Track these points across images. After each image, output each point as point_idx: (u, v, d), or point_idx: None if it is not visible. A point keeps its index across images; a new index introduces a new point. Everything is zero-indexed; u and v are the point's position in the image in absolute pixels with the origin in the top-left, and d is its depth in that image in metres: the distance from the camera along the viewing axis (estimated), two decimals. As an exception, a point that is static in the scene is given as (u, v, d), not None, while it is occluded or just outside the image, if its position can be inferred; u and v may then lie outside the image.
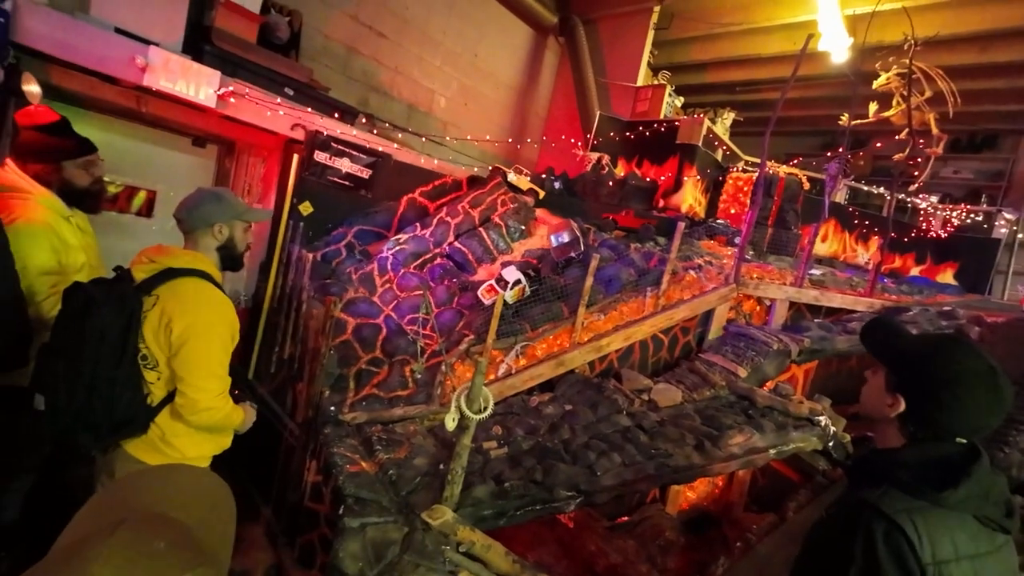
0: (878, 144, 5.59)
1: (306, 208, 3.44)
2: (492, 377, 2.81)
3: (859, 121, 4.64)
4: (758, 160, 4.52)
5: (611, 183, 5.46)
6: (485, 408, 1.77)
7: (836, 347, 3.49)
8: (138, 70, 2.67)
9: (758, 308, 3.88)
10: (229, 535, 0.68)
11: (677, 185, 5.65)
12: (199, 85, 2.85)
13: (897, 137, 4.84)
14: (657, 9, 7.06)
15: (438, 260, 3.56)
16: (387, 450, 2.23)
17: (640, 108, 7.01)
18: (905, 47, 4.48)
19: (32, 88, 2.36)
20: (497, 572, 1.82)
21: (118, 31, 2.73)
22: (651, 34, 7.17)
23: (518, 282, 2.95)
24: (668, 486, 3.39)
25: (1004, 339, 3.48)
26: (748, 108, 8.40)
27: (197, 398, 1.55)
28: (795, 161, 5.56)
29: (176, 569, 0.53)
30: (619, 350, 3.27)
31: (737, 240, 4.03)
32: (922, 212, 6.38)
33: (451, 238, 3.73)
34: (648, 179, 5.76)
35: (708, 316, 3.62)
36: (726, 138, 6.52)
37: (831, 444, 2.84)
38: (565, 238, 3.47)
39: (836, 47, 5.42)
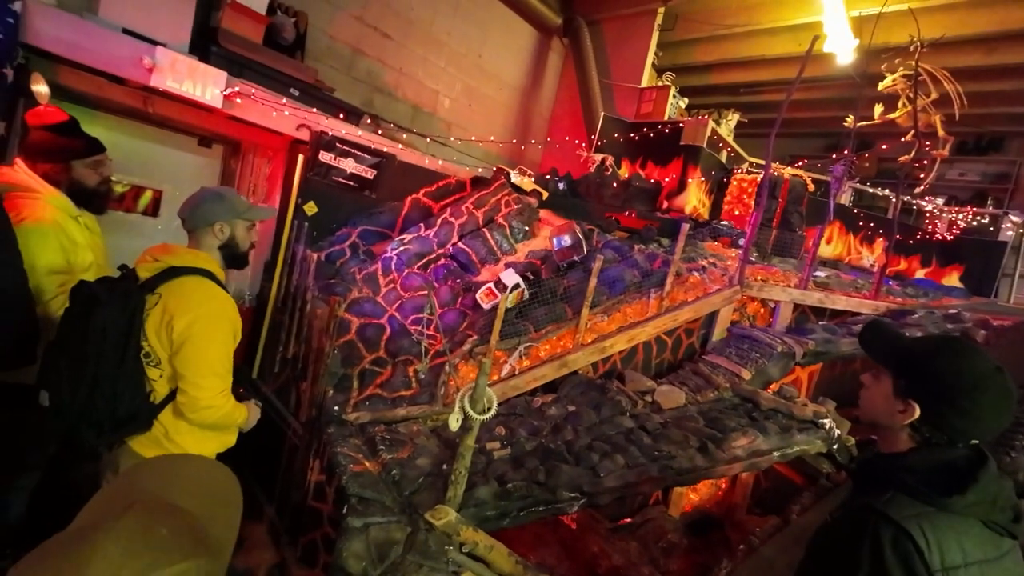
0: (883, 146, 5.56)
1: (311, 208, 3.45)
2: (495, 378, 2.81)
3: (864, 123, 4.62)
4: (762, 162, 4.50)
5: (615, 184, 5.46)
6: (489, 409, 1.77)
7: (841, 350, 3.47)
8: (145, 70, 2.69)
9: (762, 310, 3.87)
10: (234, 527, 0.69)
11: (681, 186, 5.64)
12: (205, 85, 2.86)
13: (903, 139, 4.81)
14: (662, 10, 7.05)
15: (442, 260, 3.57)
16: (390, 450, 2.24)
17: (644, 109, 7.00)
18: (911, 49, 4.46)
19: (41, 88, 2.38)
20: (500, 573, 1.82)
21: (126, 32, 2.75)
22: (655, 35, 7.16)
23: (516, 286, 2.94)
24: (671, 488, 3.39)
25: (1011, 343, 3.46)
26: (753, 110, 8.38)
27: (198, 396, 1.56)
28: (800, 163, 5.54)
29: (177, 556, 0.54)
30: (622, 351, 3.26)
31: (741, 242, 4.01)
32: (928, 214, 6.35)
33: (455, 239, 3.73)
34: (652, 180, 5.75)
35: (712, 318, 3.61)
36: (730, 140, 6.50)
37: (835, 447, 2.82)
38: (567, 241, 3.47)
39: (841, 49, 5.40)
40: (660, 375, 3.44)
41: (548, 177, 5.25)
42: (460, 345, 2.82)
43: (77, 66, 2.60)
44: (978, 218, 6.30)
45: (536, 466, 2.25)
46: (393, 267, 3.40)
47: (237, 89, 3.00)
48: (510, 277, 2.99)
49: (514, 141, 7.19)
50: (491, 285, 2.99)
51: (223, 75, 2.94)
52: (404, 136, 4.72)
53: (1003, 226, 6.22)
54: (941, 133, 4.89)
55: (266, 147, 3.72)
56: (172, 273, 1.57)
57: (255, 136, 3.54)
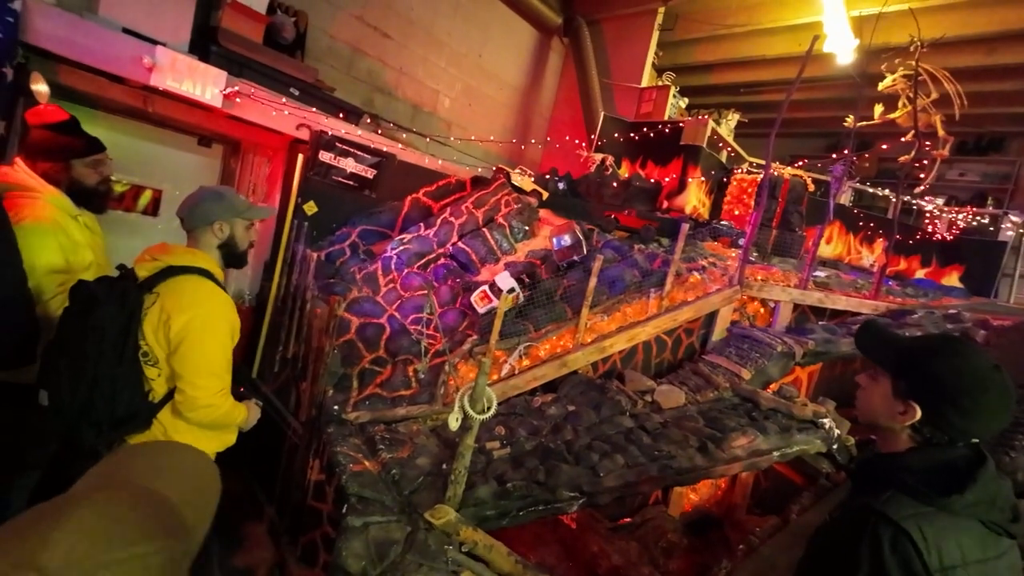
0: (883, 146, 5.56)
1: (310, 208, 3.46)
2: (495, 377, 2.81)
3: (864, 123, 4.61)
4: (762, 162, 4.50)
5: (615, 184, 5.46)
6: (488, 408, 1.77)
7: (840, 350, 3.47)
8: (145, 70, 2.69)
9: (762, 310, 3.87)
10: (209, 515, 0.71)
11: (681, 186, 5.64)
12: (205, 85, 2.86)
13: (903, 139, 4.81)
14: (662, 10, 7.05)
15: (442, 260, 3.57)
16: (390, 449, 2.24)
17: (644, 109, 7.00)
18: (911, 49, 4.46)
19: (40, 87, 2.38)
20: (499, 572, 1.82)
21: (126, 31, 2.75)
22: (656, 35, 7.16)
23: (511, 290, 2.95)
24: (671, 488, 3.39)
25: (1011, 343, 3.46)
26: (753, 109, 8.38)
27: (196, 395, 1.56)
28: (800, 163, 5.54)
29: (140, 537, 0.55)
30: (622, 351, 3.26)
31: (741, 242, 4.01)
32: (928, 214, 6.35)
33: (455, 238, 3.73)
34: (652, 180, 5.75)
35: (712, 318, 3.61)
36: (731, 139, 6.50)
37: (835, 447, 2.83)
38: (567, 241, 3.47)
39: (841, 49, 5.40)
40: (660, 375, 3.44)
41: (548, 177, 5.25)
42: (460, 345, 2.82)
43: (77, 65, 2.60)
44: (978, 218, 6.30)
45: (536, 466, 2.25)
46: (393, 267, 3.40)
47: (237, 88, 3.00)
48: (505, 280, 2.99)
49: (514, 141, 7.19)
50: (486, 288, 3.00)
51: (223, 74, 2.94)
52: (404, 136, 4.72)
53: (1003, 226, 6.22)
54: (941, 133, 4.89)
55: (266, 146, 3.72)
56: (170, 272, 1.57)
57: (255, 135, 3.54)
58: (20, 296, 1.60)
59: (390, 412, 2.53)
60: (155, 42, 2.77)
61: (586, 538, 2.85)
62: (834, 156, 4.71)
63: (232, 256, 1.78)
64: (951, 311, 4.02)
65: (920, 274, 5.95)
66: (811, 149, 9.78)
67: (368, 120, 4.29)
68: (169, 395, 1.60)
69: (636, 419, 2.77)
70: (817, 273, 4.28)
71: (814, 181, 5.19)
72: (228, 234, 1.74)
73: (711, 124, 5.83)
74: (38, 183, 1.82)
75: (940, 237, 5.97)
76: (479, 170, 4.57)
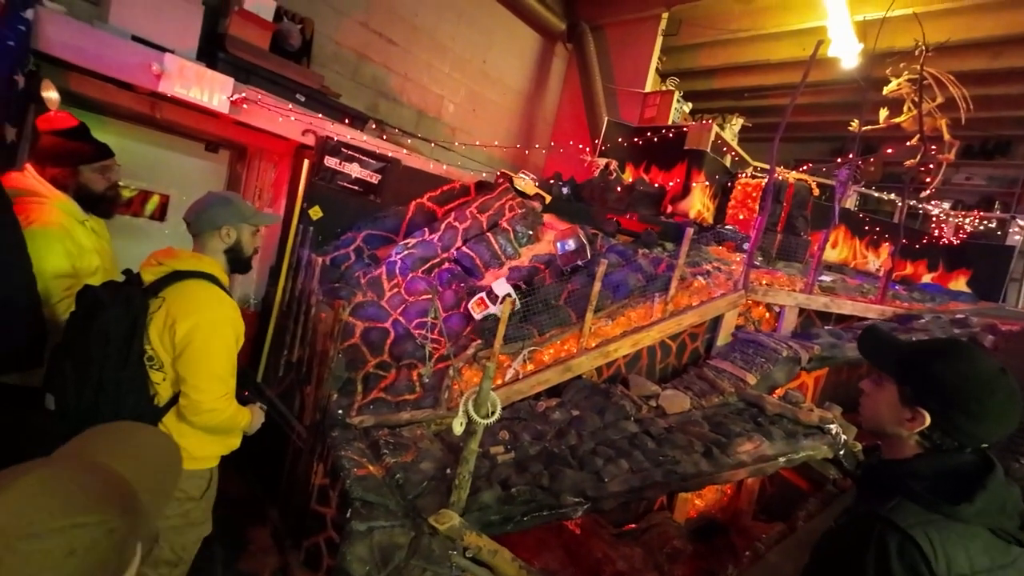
0: (889, 150, 5.54)
1: (316, 213, 3.48)
2: (499, 382, 2.81)
3: (869, 127, 4.60)
4: (767, 166, 4.50)
5: (619, 188, 5.46)
6: (493, 413, 1.77)
7: (847, 354, 3.45)
8: (154, 77, 2.72)
9: (767, 315, 3.85)
10: (166, 495, 0.75)
11: (685, 191, 5.63)
12: (213, 91, 2.90)
13: (908, 143, 4.79)
14: (665, 16, 7.06)
15: (446, 265, 3.58)
16: (394, 454, 2.24)
17: (648, 114, 7.01)
18: (916, 53, 4.45)
19: (51, 94, 2.41)
20: (503, 578, 1.81)
21: (135, 39, 2.79)
22: (659, 40, 7.17)
23: (507, 296, 2.96)
24: (676, 493, 3.36)
25: (1020, 348, 3.43)
26: (757, 114, 8.36)
27: (200, 399, 1.57)
28: (805, 167, 5.53)
29: (82, 509, 0.56)
30: (627, 356, 3.25)
31: (746, 246, 4.00)
32: (934, 219, 6.31)
33: (459, 243, 3.74)
34: (656, 185, 5.75)
35: (717, 322, 3.60)
36: (735, 144, 6.50)
37: (842, 453, 2.80)
38: (571, 245, 3.48)
39: (846, 53, 5.39)
40: (664, 380, 3.42)
41: (552, 181, 5.26)
42: (464, 349, 2.82)
43: (87, 72, 2.64)
44: (985, 222, 6.26)
45: (540, 471, 2.25)
46: (397, 271, 3.41)
47: (244, 95, 3.03)
48: (502, 287, 3.00)
49: (518, 146, 7.21)
50: (483, 295, 3.01)
51: (230, 81, 2.97)
52: (409, 141, 4.74)
53: (1011, 230, 6.17)
54: (947, 137, 4.87)
55: (272, 152, 3.75)
56: (176, 277, 1.58)
57: (261, 141, 3.57)
58: (28, 299, 1.61)
59: (394, 416, 2.53)
60: (164, 49, 2.81)
61: (590, 544, 2.83)
62: (839, 160, 4.70)
63: (237, 261, 1.79)
64: (959, 316, 3.98)
65: (927, 279, 5.91)
66: (816, 153, 9.75)
67: (373, 125, 4.31)
68: (174, 399, 1.60)
69: (641, 424, 2.76)
70: (822, 277, 4.26)
71: (819, 185, 5.17)
72: (235, 239, 1.75)
73: (715, 129, 5.83)
74: (46, 188, 1.84)
75: (947, 241, 5.93)
76: (483, 175, 4.59)
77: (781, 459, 2.60)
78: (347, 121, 3.76)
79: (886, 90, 4.77)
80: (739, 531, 3.42)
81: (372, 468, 2.16)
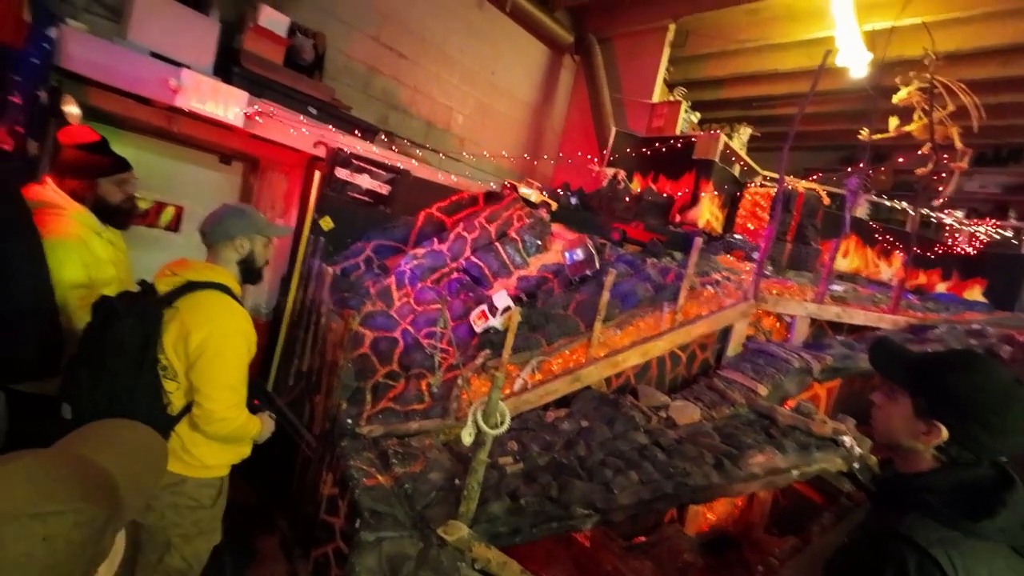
0: (900, 159, 5.50)
1: (327, 223, 3.52)
2: (508, 392, 2.80)
3: (879, 136, 4.58)
4: (776, 175, 4.48)
5: (627, 198, 5.47)
6: (502, 423, 1.77)
7: (860, 365, 3.40)
8: (171, 91, 2.79)
9: (778, 325, 3.82)
10: (147, 489, 0.78)
11: (694, 200, 5.63)
12: (228, 105, 2.96)
13: (919, 152, 4.76)
14: (672, 27, 7.11)
15: (455, 274, 3.59)
16: (403, 464, 2.24)
17: (656, 124, 7.03)
18: (925, 62, 4.44)
19: (72, 109, 2.48)
20: (512, 590, 1.80)
21: (153, 55, 2.86)
22: (667, 51, 7.21)
23: (508, 308, 2.97)
24: (686, 506, 3.32)
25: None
26: (765, 123, 8.36)
27: (212, 408, 1.58)
28: (814, 176, 5.50)
29: (58, 499, 0.58)
30: (636, 366, 3.23)
31: (755, 255, 3.98)
32: (947, 227, 6.24)
33: (468, 253, 3.76)
34: (664, 194, 5.75)
35: (726, 332, 3.57)
36: (743, 153, 6.49)
37: (857, 466, 2.75)
38: (579, 255, 3.48)
39: (854, 63, 5.38)
40: (674, 390, 3.39)
41: (560, 192, 5.28)
42: (473, 359, 2.82)
43: (107, 88, 2.71)
44: (1000, 231, 6.17)
45: (549, 481, 2.23)
46: (407, 281, 3.43)
47: (258, 108, 3.09)
48: (502, 299, 3.01)
49: (526, 156, 7.26)
50: (483, 307, 3.02)
51: (244, 95, 3.03)
52: (418, 152, 4.80)
53: (1026, 239, 6.08)
54: (959, 145, 4.83)
55: (284, 164, 3.81)
56: (190, 287, 1.61)
57: (274, 153, 3.63)
58: (46, 308, 1.65)
59: (403, 426, 2.53)
60: (181, 65, 2.87)
61: (600, 557, 2.80)
62: (849, 169, 4.67)
63: (250, 272, 1.82)
64: (974, 326, 3.91)
65: (941, 288, 5.83)
66: (825, 162, 9.71)
67: (383, 137, 4.37)
68: (186, 408, 1.62)
69: (650, 435, 2.73)
70: (834, 287, 4.22)
71: (829, 194, 5.14)
72: (248, 250, 1.77)
73: (723, 138, 5.83)
74: (65, 200, 1.89)
75: (961, 250, 5.85)
76: (492, 185, 4.62)
77: (794, 472, 2.56)
78: (358, 133, 3.82)
79: (896, 99, 4.75)
80: (751, 545, 3.36)
81: (381, 478, 2.16)
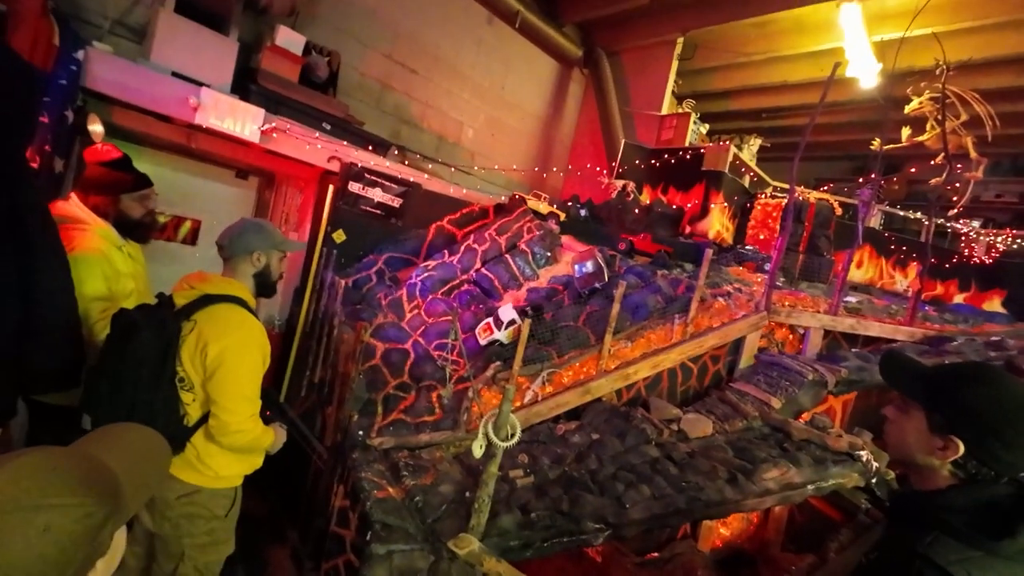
0: (913, 169, 5.45)
1: (339, 236, 3.57)
2: (518, 404, 2.80)
3: (892, 146, 4.55)
4: (787, 186, 4.46)
5: (636, 210, 5.48)
6: (512, 435, 1.77)
7: (875, 378, 3.34)
8: (191, 109, 2.87)
9: (791, 336, 3.77)
10: (147, 489, 0.82)
11: (704, 211, 5.62)
12: (245, 122, 3.04)
13: (932, 162, 4.72)
14: (681, 40, 7.17)
15: (465, 286, 3.62)
16: (413, 476, 2.24)
17: (665, 136, 7.06)
18: (937, 72, 4.41)
19: (96, 128, 2.56)
20: (523, 606, 1.78)
21: (175, 75, 2.95)
22: (675, 64, 7.26)
23: (512, 322, 2.97)
24: (700, 521, 3.26)
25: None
26: (775, 134, 8.34)
27: (228, 420, 1.61)
28: (826, 187, 5.47)
29: (59, 493, 0.61)
30: (647, 378, 3.21)
31: (767, 267, 3.95)
32: (963, 237, 6.14)
33: (478, 265, 3.79)
34: (674, 206, 5.75)
35: (738, 344, 3.54)
36: (753, 164, 6.48)
37: (874, 481, 2.70)
38: (589, 268, 3.49)
39: (864, 73, 5.38)
40: (686, 403, 3.36)
41: (570, 204, 5.31)
42: (483, 371, 2.83)
43: (130, 106, 2.80)
44: (1019, 240, 6.06)
45: (559, 495, 2.22)
46: (418, 293, 3.46)
47: (274, 125, 3.17)
48: (508, 312, 3.02)
49: (536, 169, 7.32)
50: (489, 321, 3.03)
51: (261, 112, 3.11)
52: (429, 166, 4.86)
53: (1047, 249, 5.94)
54: (973, 155, 4.78)
55: (298, 178, 3.89)
56: (207, 301, 1.64)
57: (289, 168, 3.70)
58: (71, 322, 1.69)
59: (414, 438, 2.53)
60: (200, 84, 2.96)
61: (611, 572, 2.76)
62: (861, 180, 4.63)
63: (264, 286, 1.85)
64: (994, 338, 3.84)
65: (959, 299, 5.72)
66: (837, 172, 9.64)
67: (395, 151, 4.45)
68: (203, 419, 1.65)
69: (662, 448, 2.71)
70: (848, 298, 4.17)
71: (841, 205, 5.11)
72: (264, 264, 1.81)
73: (733, 149, 5.83)
74: (88, 215, 1.94)
75: (978, 260, 5.75)
76: (502, 198, 4.66)
77: (809, 487, 2.52)
78: (370, 148, 3.89)
79: (908, 109, 4.73)
80: (767, 562, 3.29)
81: (392, 490, 2.16)
